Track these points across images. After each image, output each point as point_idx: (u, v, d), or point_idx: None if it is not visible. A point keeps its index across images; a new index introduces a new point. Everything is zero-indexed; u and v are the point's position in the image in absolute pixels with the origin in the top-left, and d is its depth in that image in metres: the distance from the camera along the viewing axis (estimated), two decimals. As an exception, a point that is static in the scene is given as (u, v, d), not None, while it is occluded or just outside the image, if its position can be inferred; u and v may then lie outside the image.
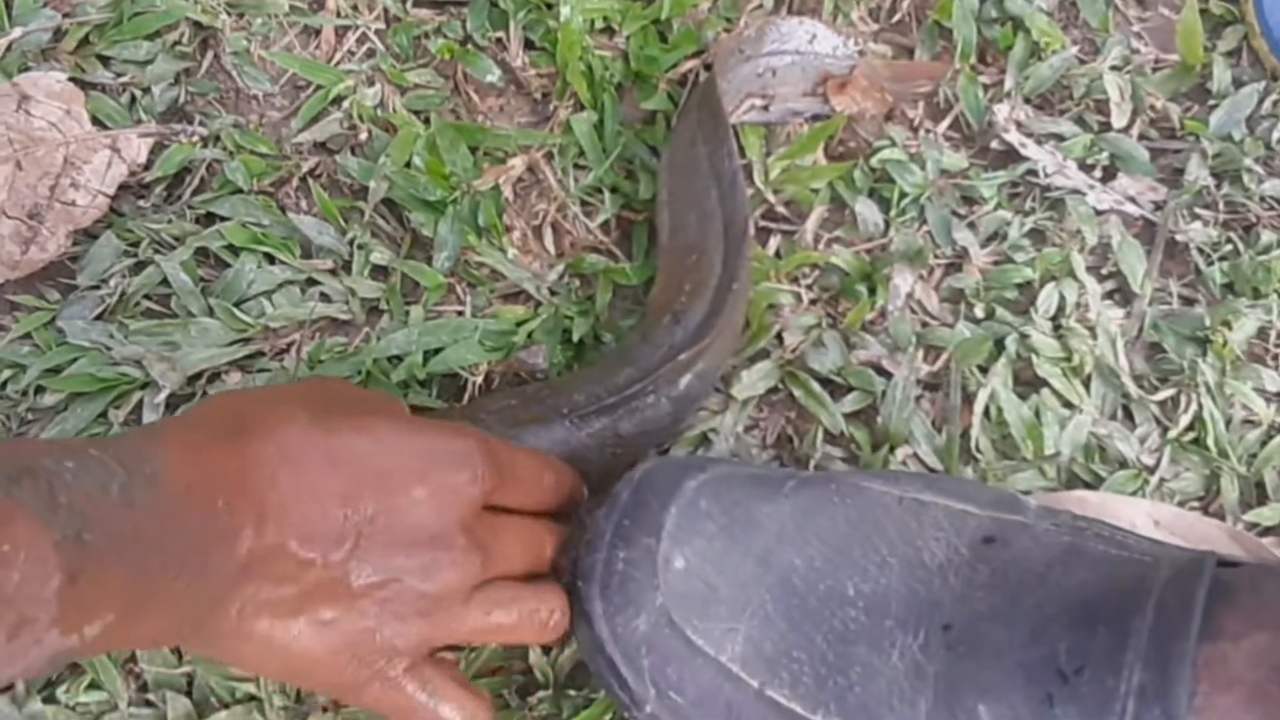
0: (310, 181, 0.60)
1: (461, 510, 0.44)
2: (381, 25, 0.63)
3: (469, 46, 0.63)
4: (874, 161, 0.61)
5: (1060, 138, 0.63)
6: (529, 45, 0.63)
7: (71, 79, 0.60)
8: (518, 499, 0.48)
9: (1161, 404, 0.58)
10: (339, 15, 0.63)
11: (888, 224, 0.61)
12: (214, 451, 0.41)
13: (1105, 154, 0.63)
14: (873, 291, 0.59)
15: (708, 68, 0.62)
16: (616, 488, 0.49)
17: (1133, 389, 0.58)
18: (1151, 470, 0.57)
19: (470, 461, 0.45)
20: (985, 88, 0.64)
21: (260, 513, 0.40)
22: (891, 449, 0.56)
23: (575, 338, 0.57)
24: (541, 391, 0.55)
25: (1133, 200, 0.62)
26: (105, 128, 0.60)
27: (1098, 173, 0.63)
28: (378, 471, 0.43)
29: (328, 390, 0.49)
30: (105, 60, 0.62)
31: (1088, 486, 0.56)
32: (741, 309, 0.56)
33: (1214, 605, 0.43)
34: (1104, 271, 0.61)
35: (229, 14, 0.62)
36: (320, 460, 0.42)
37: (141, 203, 0.60)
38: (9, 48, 0.60)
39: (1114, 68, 0.64)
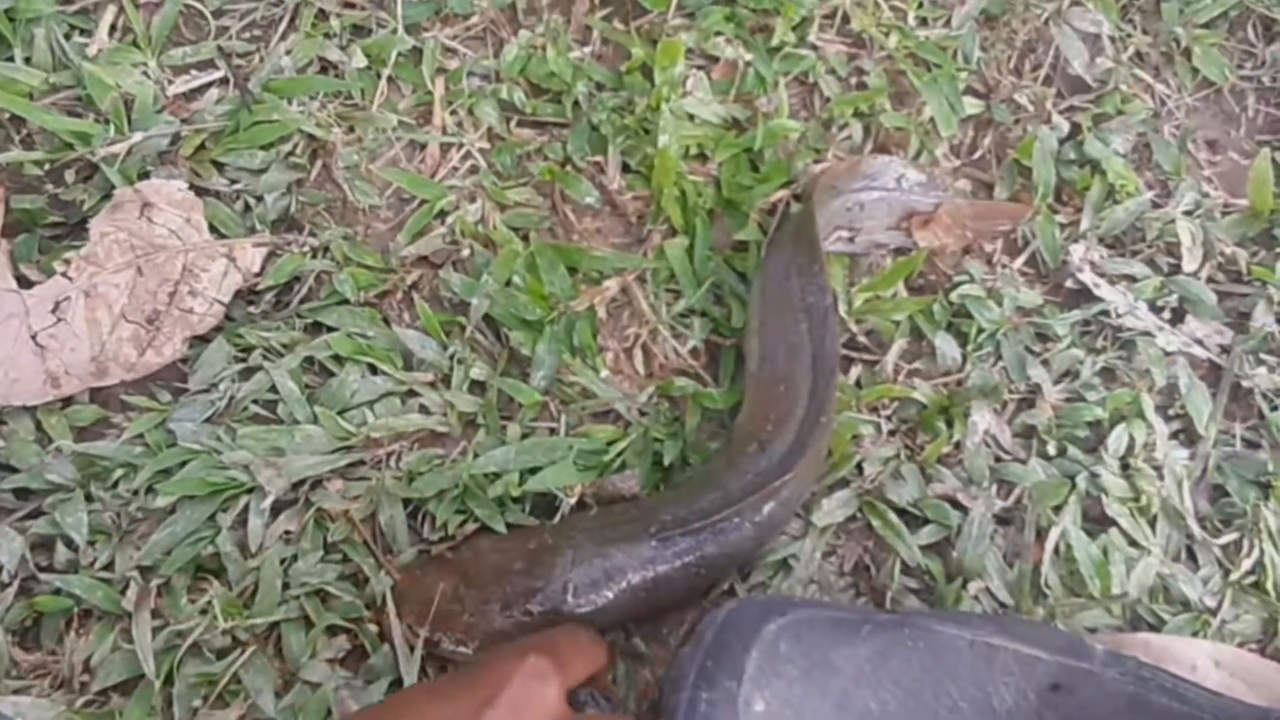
0: (414, 295, 0.62)
1: None
2: (485, 144, 0.65)
3: (568, 168, 0.65)
4: (953, 296, 0.64)
5: (1132, 279, 0.65)
6: (625, 169, 0.65)
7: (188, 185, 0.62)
8: None
9: (1224, 547, 0.60)
10: (445, 132, 0.65)
11: (965, 358, 0.63)
12: None
13: (1174, 296, 0.65)
14: (950, 425, 0.61)
15: (796, 198, 0.64)
16: (700, 627, 0.51)
17: (1197, 531, 0.60)
18: (1213, 612, 0.59)
19: None
20: (1061, 227, 0.66)
21: None
22: (965, 583, 0.58)
23: (666, 461, 0.59)
24: (630, 512, 0.57)
25: (1200, 343, 0.65)
26: (222, 236, 0.62)
27: (1166, 314, 0.65)
28: None
29: None
30: (220, 166, 0.64)
31: (1151, 627, 0.58)
32: (826, 441, 0.58)
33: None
34: (1170, 412, 0.63)
35: (339, 127, 0.65)
36: None
37: (251, 309, 0.62)
38: (130, 151, 0.63)
39: (1186, 212, 0.66)
